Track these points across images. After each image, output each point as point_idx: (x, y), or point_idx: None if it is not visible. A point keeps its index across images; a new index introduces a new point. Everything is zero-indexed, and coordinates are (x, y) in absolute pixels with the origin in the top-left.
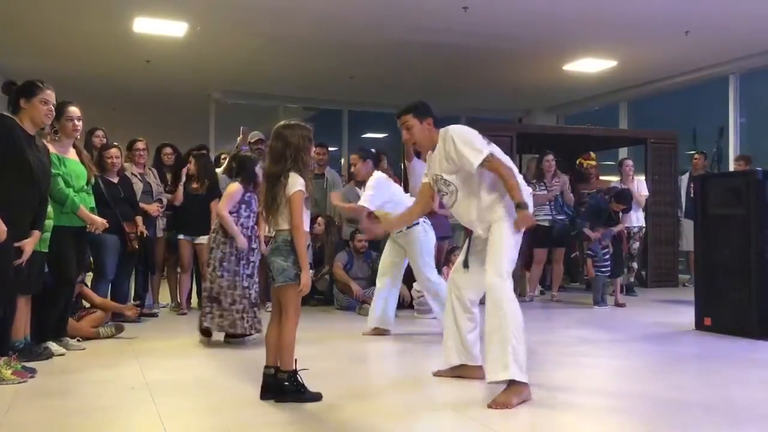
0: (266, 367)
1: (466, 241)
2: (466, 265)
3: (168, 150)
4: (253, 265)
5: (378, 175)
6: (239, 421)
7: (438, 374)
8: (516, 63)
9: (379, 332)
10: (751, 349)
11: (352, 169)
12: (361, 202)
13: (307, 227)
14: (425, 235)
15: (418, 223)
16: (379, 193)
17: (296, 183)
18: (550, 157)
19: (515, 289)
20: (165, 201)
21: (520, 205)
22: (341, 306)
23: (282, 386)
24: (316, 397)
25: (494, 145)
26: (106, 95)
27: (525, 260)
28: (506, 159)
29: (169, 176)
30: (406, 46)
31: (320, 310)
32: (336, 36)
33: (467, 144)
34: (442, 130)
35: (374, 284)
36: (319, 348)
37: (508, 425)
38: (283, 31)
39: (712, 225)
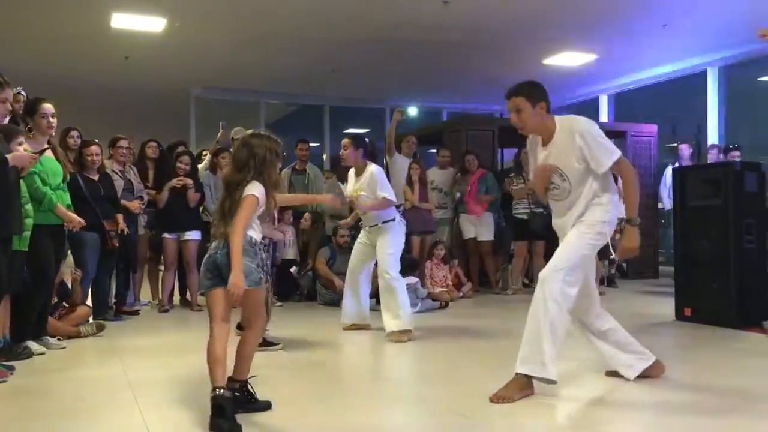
0: (218, 388)
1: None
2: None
3: (152, 144)
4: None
5: (378, 167)
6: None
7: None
8: (497, 57)
9: (358, 327)
10: (730, 338)
11: (341, 153)
12: (387, 195)
13: (256, 235)
14: (399, 230)
15: (394, 219)
16: (388, 185)
17: (253, 188)
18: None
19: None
20: (146, 198)
21: (631, 221)
22: (325, 301)
23: (232, 398)
24: (266, 406)
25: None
26: (84, 92)
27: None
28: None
29: (151, 172)
30: (387, 41)
31: (304, 305)
32: (317, 31)
33: (600, 144)
34: (565, 119)
35: None
36: (306, 343)
37: (486, 418)
38: (263, 26)
39: (691, 216)
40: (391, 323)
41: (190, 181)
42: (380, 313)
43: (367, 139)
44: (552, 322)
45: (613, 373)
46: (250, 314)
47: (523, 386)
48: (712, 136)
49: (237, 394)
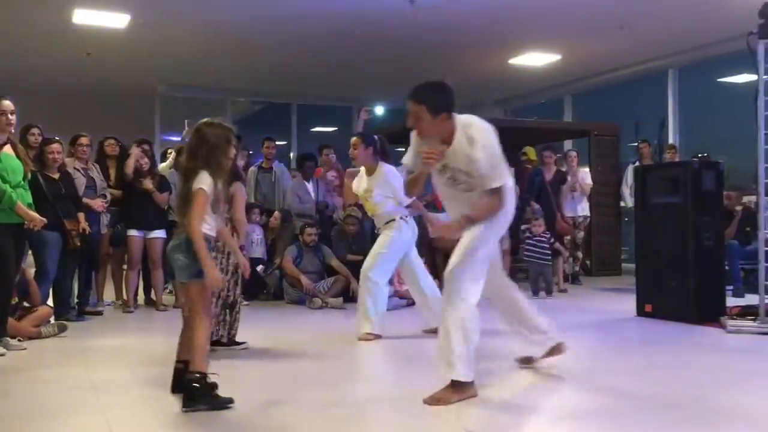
0: (177, 361)
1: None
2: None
3: (111, 141)
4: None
5: (391, 167)
6: (187, 419)
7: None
8: (463, 56)
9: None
10: (689, 333)
11: (350, 153)
12: (402, 198)
13: (212, 231)
14: (399, 234)
15: (394, 219)
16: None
17: (201, 181)
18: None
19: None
20: (109, 196)
21: (467, 217)
22: (291, 300)
23: (191, 388)
24: (227, 401)
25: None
26: (45, 88)
27: None
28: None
29: (112, 171)
30: (354, 39)
31: (271, 304)
32: (283, 29)
33: (495, 167)
34: (466, 123)
35: (324, 277)
36: (272, 341)
37: (440, 417)
38: (229, 23)
39: (652, 214)
40: (362, 324)
41: (151, 187)
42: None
43: (377, 137)
44: (462, 319)
45: (525, 360)
46: (190, 305)
47: (461, 389)
48: (672, 136)
49: (195, 385)
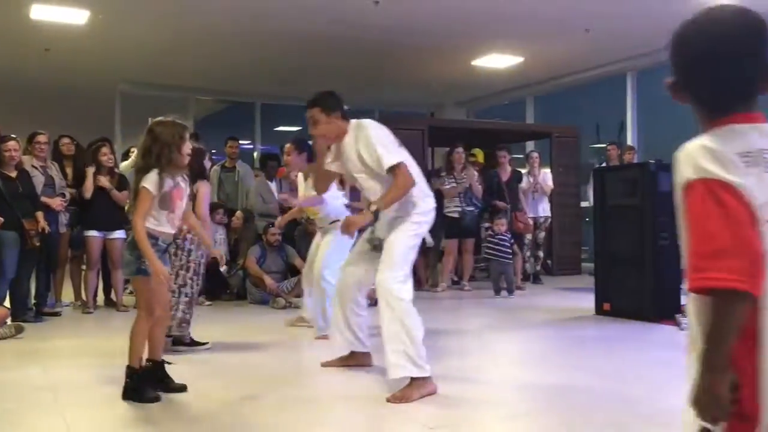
0: (146, 360)
1: (369, 231)
2: (378, 248)
3: (66, 140)
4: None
5: None
6: (147, 419)
7: (326, 365)
8: (426, 58)
9: (303, 323)
10: (645, 331)
11: (285, 159)
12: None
13: (169, 228)
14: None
15: (338, 220)
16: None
17: (146, 179)
18: (460, 149)
19: (417, 285)
20: (68, 195)
21: (372, 207)
22: (255, 300)
23: (125, 383)
24: (154, 398)
25: (405, 151)
26: (2, 85)
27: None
28: (414, 171)
29: (69, 170)
30: (318, 39)
31: (234, 305)
32: (246, 27)
33: (383, 144)
34: (353, 122)
35: (288, 277)
36: (236, 341)
37: (396, 410)
38: (192, 20)
39: (610, 215)
40: (320, 325)
41: (108, 185)
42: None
43: (310, 143)
44: (400, 319)
45: (330, 363)
46: (138, 300)
47: (420, 386)
48: (631, 138)
49: (127, 380)
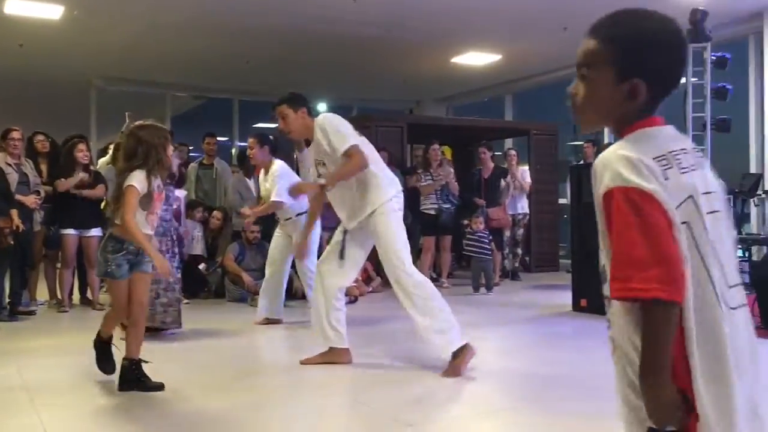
0: (123, 358)
1: (342, 233)
2: (341, 256)
3: (40, 137)
4: (177, 258)
5: (281, 164)
6: (125, 418)
7: (306, 362)
8: (406, 54)
9: (271, 322)
10: None
11: (249, 153)
12: (275, 198)
13: (147, 230)
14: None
15: (306, 212)
16: (287, 182)
17: (132, 178)
18: (436, 146)
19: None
20: (42, 193)
21: (322, 183)
22: (233, 298)
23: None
24: (159, 386)
25: (363, 138)
26: None
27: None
28: (369, 153)
29: (43, 167)
30: (297, 35)
31: (212, 302)
32: (225, 21)
33: (337, 132)
34: (317, 118)
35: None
36: (214, 338)
37: (374, 407)
38: (167, 15)
39: (587, 212)
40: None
41: (84, 177)
42: (295, 309)
43: (271, 137)
44: (426, 300)
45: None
46: (110, 299)
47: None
48: (608, 136)
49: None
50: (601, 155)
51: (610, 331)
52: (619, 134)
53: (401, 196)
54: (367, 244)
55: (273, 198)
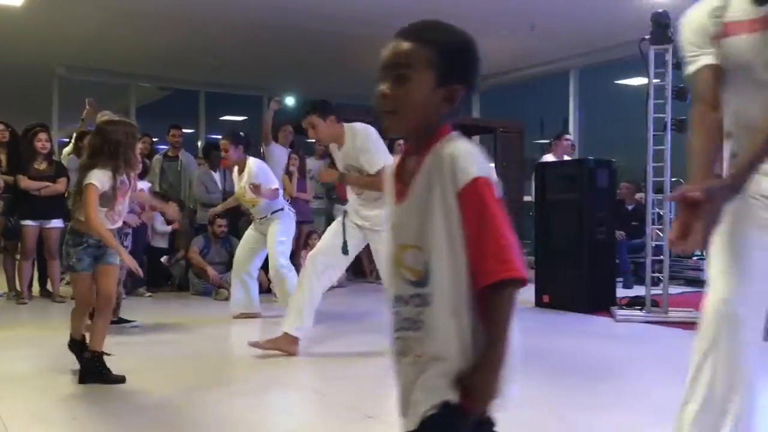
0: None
1: (341, 226)
2: (345, 251)
3: (0, 126)
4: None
5: (256, 161)
6: (86, 411)
7: (255, 345)
8: (373, 49)
9: (248, 316)
10: (582, 322)
11: (223, 154)
12: (273, 187)
13: (109, 225)
14: (289, 220)
15: (282, 209)
16: (271, 176)
17: (93, 176)
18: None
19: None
20: (2, 183)
21: (344, 176)
22: (197, 291)
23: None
24: (120, 378)
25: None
26: None
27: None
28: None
29: (3, 156)
30: (265, 27)
31: (175, 296)
32: (192, 13)
33: (378, 152)
34: (349, 126)
35: (231, 269)
36: (168, 332)
37: (334, 399)
38: (131, 4)
39: (550, 209)
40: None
41: (45, 184)
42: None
43: (242, 133)
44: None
45: (256, 344)
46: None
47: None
48: (573, 134)
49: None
50: (450, 149)
51: (411, 334)
52: (428, 137)
53: None
54: (361, 245)
55: (272, 186)
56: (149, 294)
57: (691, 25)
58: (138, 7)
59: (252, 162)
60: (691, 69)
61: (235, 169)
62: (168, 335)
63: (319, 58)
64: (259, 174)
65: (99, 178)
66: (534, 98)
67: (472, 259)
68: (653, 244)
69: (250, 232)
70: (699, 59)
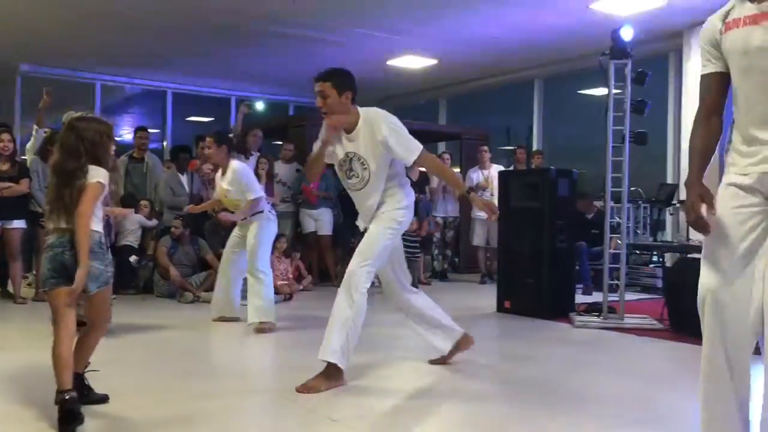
0: (66, 392)
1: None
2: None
3: None
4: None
5: (239, 163)
6: (49, 417)
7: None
8: (342, 54)
9: (226, 320)
10: (541, 328)
11: (206, 152)
12: (255, 196)
13: (99, 227)
14: (268, 224)
15: (262, 211)
16: (254, 179)
17: (98, 174)
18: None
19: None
20: None
21: (468, 193)
22: (161, 293)
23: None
24: (103, 398)
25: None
26: None
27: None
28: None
29: None
30: (234, 31)
31: (140, 298)
32: (155, 10)
33: (409, 138)
34: (369, 111)
35: (199, 271)
36: (149, 334)
37: (301, 403)
38: (99, 3)
39: (513, 217)
40: (254, 314)
41: (7, 185)
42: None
43: (231, 135)
44: (352, 319)
45: (437, 361)
46: (97, 314)
47: (330, 376)
48: (537, 143)
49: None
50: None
51: None
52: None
53: (412, 208)
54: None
55: (251, 196)
56: (113, 296)
57: (705, 33)
58: (104, 6)
59: (235, 164)
60: (701, 72)
61: (219, 172)
62: (137, 337)
63: (280, 62)
64: (241, 177)
65: (105, 176)
66: (502, 106)
67: None
68: (611, 251)
69: (234, 234)
70: (707, 66)
